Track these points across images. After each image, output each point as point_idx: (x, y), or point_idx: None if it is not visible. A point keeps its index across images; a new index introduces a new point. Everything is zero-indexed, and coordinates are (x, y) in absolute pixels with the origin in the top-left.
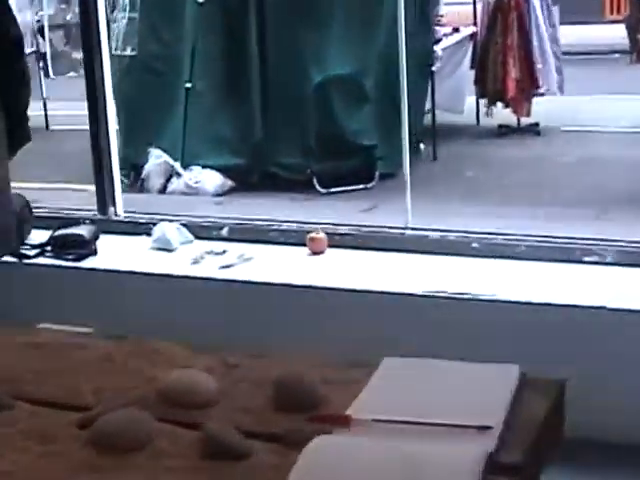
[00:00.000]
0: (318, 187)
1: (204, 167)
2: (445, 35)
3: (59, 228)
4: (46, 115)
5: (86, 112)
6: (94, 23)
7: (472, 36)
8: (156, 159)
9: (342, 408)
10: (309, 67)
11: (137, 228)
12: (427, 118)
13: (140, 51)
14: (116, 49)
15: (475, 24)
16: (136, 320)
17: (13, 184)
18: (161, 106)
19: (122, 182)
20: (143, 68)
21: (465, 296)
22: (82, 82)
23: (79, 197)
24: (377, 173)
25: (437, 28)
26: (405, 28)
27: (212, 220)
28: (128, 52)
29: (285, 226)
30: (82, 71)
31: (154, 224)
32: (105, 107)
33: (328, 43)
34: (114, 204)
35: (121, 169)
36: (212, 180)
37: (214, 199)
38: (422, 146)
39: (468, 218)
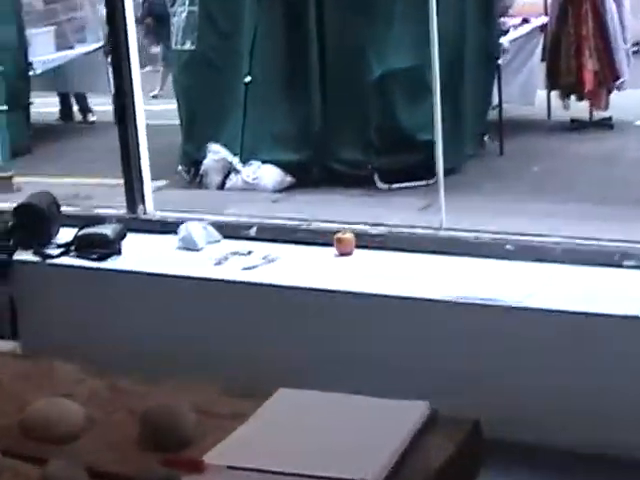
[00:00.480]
0: (379, 183)
1: (263, 162)
2: (514, 26)
3: (84, 227)
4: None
5: (159, 107)
6: (121, 17)
7: (543, 27)
8: (214, 155)
9: (213, 447)
10: (369, 61)
11: (166, 227)
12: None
13: (199, 45)
14: (176, 44)
15: (546, 14)
16: (153, 322)
17: (67, 179)
18: (220, 101)
19: (183, 178)
20: (202, 62)
21: (492, 303)
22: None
23: None
24: None
25: (505, 19)
26: (466, 20)
27: (240, 219)
28: (188, 46)
29: (314, 226)
30: (159, 66)
31: (183, 223)
32: (133, 102)
33: (389, 36)
34: (143, 202)
35: (182, 165)
36: (271, 176)
37: (272, 196)
38: (486, 138)
39: (525, 217)
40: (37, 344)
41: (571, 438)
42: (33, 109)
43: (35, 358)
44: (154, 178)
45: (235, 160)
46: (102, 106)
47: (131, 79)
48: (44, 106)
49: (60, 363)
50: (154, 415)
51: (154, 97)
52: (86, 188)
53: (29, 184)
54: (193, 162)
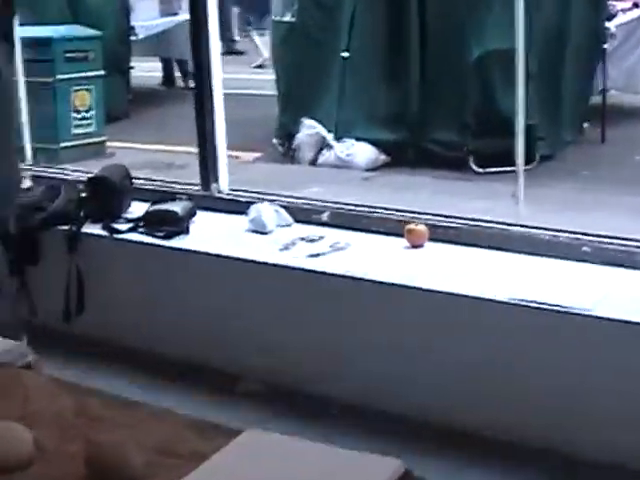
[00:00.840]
0: (474, 166)
1: (358, 140)
2: (623, 10)
3: (155, 203)
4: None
5: (248, 76)
6: None
7: None
8: (308, 129)
9: None
10: (469, 40)
11: (238, 207)
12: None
13: (299, 17)
14: (276, 15)
15: None
16: (215, 304)
17: (163, 147)
18: (317, 75)
19: (277, 151)
20: (301, 35)
21: (557, 308)
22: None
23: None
24: (538, 155)
25: (614, 2)
26: (571, 1)
27: (314, 203)
28: (287, 18)
29: (387, 214)
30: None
31: (255, 204)
32: (210, 74)
33: (489, 15)
34: (217, 180)
35: (277, 138)
36: (364, 154)
37: (363, 174)
38: (585, 125)
39: (620, 211)
40: (101, 319)
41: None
42: (136, 74)
43: (7, 368)
44: (250, 150)
45: (329, 136)
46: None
47: (208, 50)
48: (149, 71)
49: (32, 376)
50: (98, 453)
51: (258, 67)
52: (182, 157)
53: (123, 150)
54: (288, 135)
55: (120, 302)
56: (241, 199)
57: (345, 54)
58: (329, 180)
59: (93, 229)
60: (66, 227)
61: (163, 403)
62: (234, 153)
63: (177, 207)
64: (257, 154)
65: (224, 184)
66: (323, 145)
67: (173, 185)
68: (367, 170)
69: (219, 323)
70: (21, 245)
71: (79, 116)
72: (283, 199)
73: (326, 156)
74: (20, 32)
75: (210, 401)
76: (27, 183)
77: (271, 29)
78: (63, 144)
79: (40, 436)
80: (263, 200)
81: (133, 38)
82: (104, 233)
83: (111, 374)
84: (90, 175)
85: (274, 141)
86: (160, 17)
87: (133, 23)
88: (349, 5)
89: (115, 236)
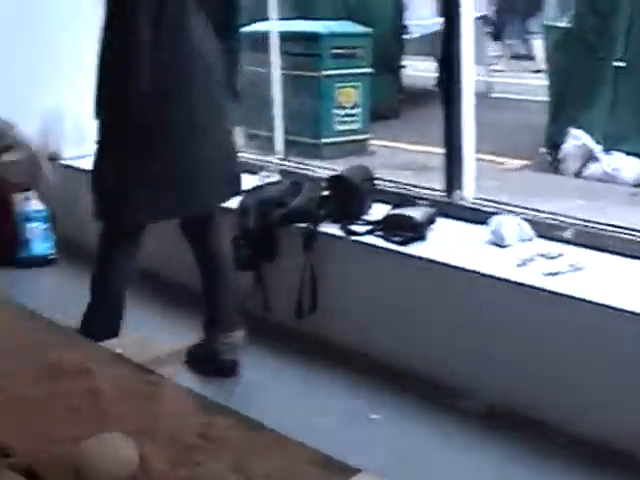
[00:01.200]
0: None
1: (627, 154)
2: None
3: (396, 206)
4: (487, 81)
5: (525, 82)
6: None
7: None
8: (575, 140)
9: None
10: None
11: (481, 217)
12: None
13: (575, 23)
14: (549, 20)
15: None
16: (437, 316)
17: (425, 148)
18: (589, 83)
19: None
20: (576, 41)
21: None
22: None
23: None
24: None
25: None
26: None
27: (558, 218)
28: (563, 23)
29: (632, 235)
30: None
31: (498, 215)
32: (459, 76)
33: None
34: (460, 187)
35: (545, 146)
36: (633, 169)
37: (630, 189)
38: None
39: None
40: (331, 319)
41: None
42: (410, 73)
43: (149, 375)
44: (519, 157)
45: (597, 148)
46: (480, 77)
47: (459, 51)
48: (424, 71)
49: (171, 388)
50: None
51: (536, 71)
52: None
53: (385, 149)
54: (555, 145)
55: (350, 304)
56: (484, 209)
57: (619, 63)
58: (592, 194)
59: (330, 229)
60: (304, 225)
61: (377, 411)
62: (500, 159)
63: (416, 213)
64: (524, 162)
65: (469, 192)
66: (589, 157)
67: (416, 189)
68: (635, 186)
69: (442, 334)
70: (260, 240)
71: (343, 113)
72: (527, 212)
73: (592, 169)
74: (289, 26)
75: (423, 414)
76: (275, 177)
77: (545, 34)
78: (325, 140)
79: (151, 455)
80: (506, 211)
81: (406, 37)
82: (341, 234)
83: (330, 376)
84: (332, 174)
85: (541, 150)
86: (436, 16)
87: (407, 22)
88: (625, 11)
89: (351, 238)
